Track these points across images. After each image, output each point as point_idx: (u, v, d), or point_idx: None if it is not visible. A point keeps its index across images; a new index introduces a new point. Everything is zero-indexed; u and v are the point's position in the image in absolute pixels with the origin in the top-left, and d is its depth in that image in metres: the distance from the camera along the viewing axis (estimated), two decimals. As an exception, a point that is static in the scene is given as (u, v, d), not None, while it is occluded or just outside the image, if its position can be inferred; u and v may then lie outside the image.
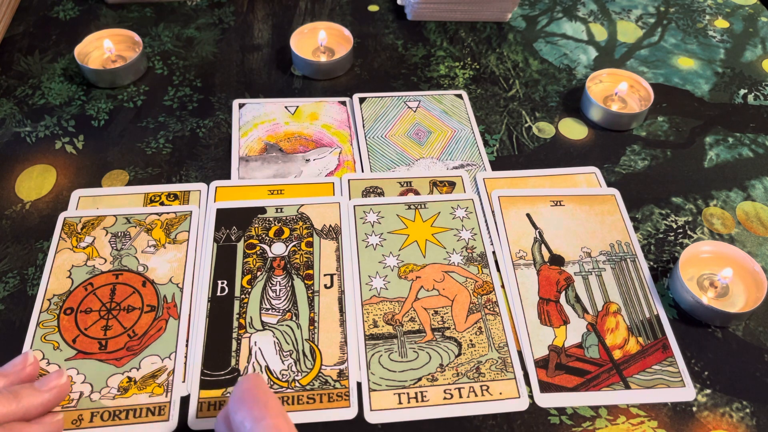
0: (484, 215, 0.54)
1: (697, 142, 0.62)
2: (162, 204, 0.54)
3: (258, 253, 0.50)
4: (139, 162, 0.57)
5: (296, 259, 0.50)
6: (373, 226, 0.53)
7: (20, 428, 0.36)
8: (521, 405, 0.44)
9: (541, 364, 0.46)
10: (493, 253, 0.52)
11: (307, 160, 0.58)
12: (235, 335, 0.46)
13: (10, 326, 0.46)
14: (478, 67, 0.69)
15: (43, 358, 0.44)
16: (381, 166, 0.58)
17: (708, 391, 0.45)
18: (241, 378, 0.37)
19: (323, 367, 0.45)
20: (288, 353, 0.45)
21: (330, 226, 0.52)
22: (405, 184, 0.56)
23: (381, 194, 0.55)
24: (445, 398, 0.44)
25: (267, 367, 0.44)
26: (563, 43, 0.72)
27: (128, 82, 0.64)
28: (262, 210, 0.53)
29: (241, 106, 0.63)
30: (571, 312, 0.49)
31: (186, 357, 0.45)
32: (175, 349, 0.45)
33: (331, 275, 0.49)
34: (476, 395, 0.44)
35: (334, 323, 0.47)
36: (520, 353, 0.46)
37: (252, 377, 0.37)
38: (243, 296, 0.48)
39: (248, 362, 0.44)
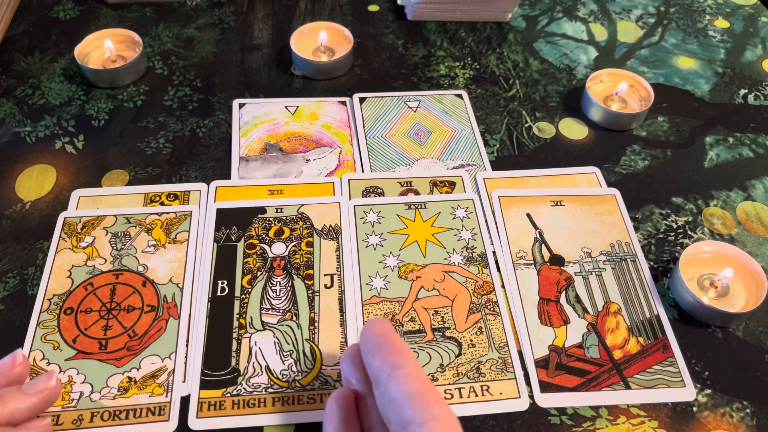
0: (484, 215, 0.54)
1: (698, 142, 0.62)
2: (162, 204, 0.54)
3: (258, 253, 0.50)
4: (139, 162, 0.57)
5: (296, 259, 0.50)
6: (373, 226, 0.53)
7: None
8: (521, 405, 0.44)
9: (542, 364, 0.46)
10: (494, 253, 0.52)
11: (307, 160, 0.58)
12: (235, 335, 0.46)
13: (10, 326, 0.46)
14: (478, 67, 0.69)
15: (43, 358, 0.44)
16: (381, 166, 0.58)
17: (708, 391, 0.45)
18: (369, 322, 0.35)
19: (323, 367, 0.45)
20: (288, 353, 0.45)
21: (330, 226, 0.52)
22: (405, 184, 0.56)
23: (381, 194, 0.55)
24: (445, 398, 0.44)
25: (267, 367, 0.44)
26: (563, 43, 0.72)
27: (128, 82, 0.64)
28: (262, 210, 0.53)
29: (241, 106, 0.63)
30: (572, 312, 0.49)
31: (186, 357, 0.45)
32: (175, 349, 0.45)
33: (332, 275, 0.49)
34: (476, 395, 0.44)
35: (334, 323, 0.47)
36: (520, 353, 0.46)
37: (380, 322, 0.35)
38: (243, 296, 0.48)
39: (248, 362, 0.44)
